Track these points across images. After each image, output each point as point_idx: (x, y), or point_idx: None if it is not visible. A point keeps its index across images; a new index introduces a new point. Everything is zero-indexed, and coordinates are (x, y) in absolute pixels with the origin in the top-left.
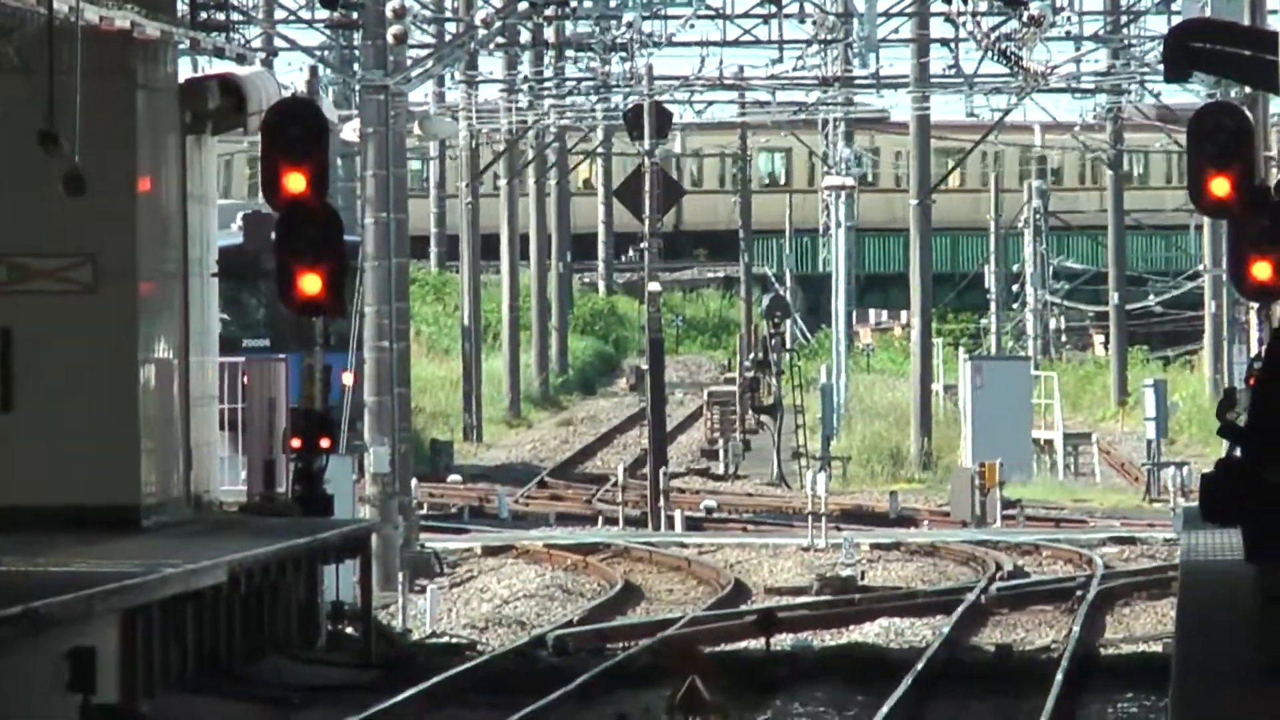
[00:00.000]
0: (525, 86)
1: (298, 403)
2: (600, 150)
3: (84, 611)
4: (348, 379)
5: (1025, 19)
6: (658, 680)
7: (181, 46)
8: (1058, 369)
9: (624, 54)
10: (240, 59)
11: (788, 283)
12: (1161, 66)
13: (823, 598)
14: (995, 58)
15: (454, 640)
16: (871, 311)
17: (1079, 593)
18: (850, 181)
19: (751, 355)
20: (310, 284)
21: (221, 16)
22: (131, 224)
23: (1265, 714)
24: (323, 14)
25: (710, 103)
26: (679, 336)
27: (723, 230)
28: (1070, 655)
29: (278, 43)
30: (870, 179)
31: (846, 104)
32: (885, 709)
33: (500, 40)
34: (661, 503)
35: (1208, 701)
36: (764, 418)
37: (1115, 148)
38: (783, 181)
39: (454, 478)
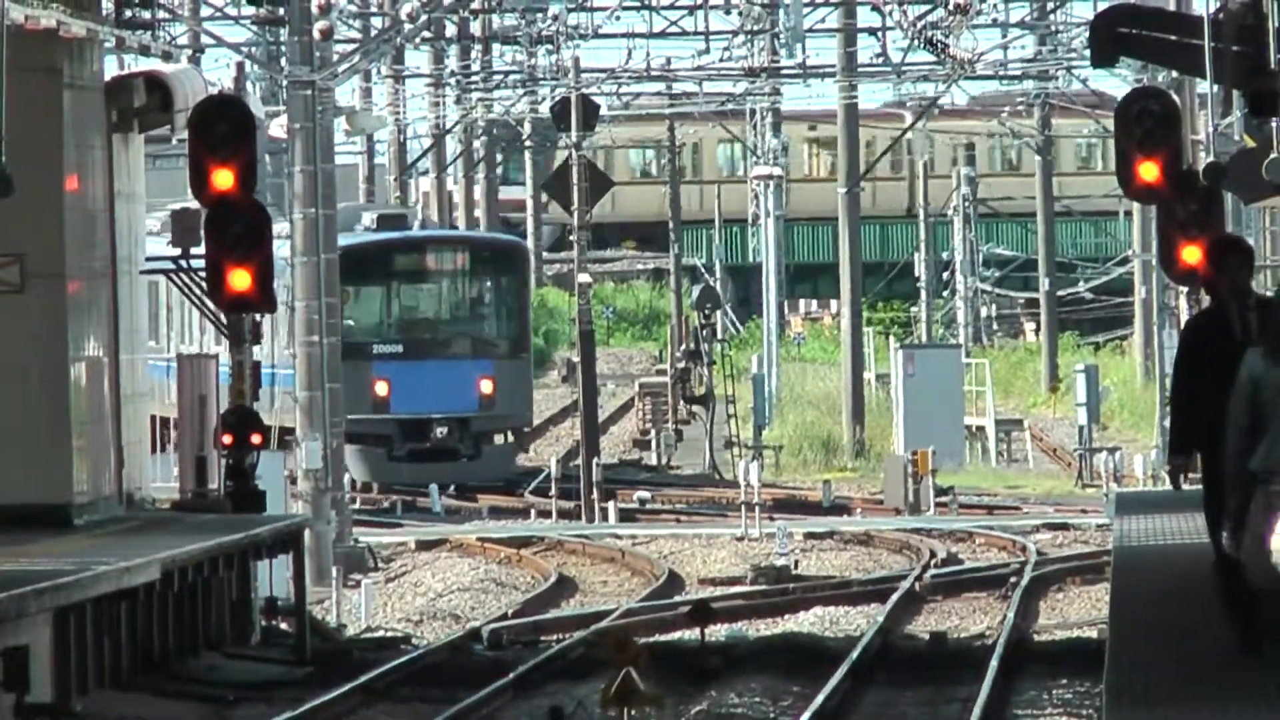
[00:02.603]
0: (452, 81)
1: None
2: (529, 143)
3: (16, 610)
4: (487, 386)
5: (951, 7)
6: (592, 672)
7: (107, 44)
8: (989, 356)
9: (550, 47)
10: (166, 56)
11: (718, 273)
12: (1088, 52)
13: (757, 588)
14: (922, 46)
15: (389, 634)
16: (802, 301)
17: (1012, 579)
18: (778, 171)
19: (683, 346)
20: (239, 280)
21: (147, 14)
22: (59, 223)
23: (1198, 698)
24: (249, 10)
25: (637, 94)
26: (610, 328)
27: (652, 221)
28: (1004, 641)
29: (204, 40)
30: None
31: (774, 94)
32: (821, 698)
33: (426, 35)
34: (594, 494)
35: (1142, 686)
36: (696, 408)
37: (1043, 133)
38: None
39: None
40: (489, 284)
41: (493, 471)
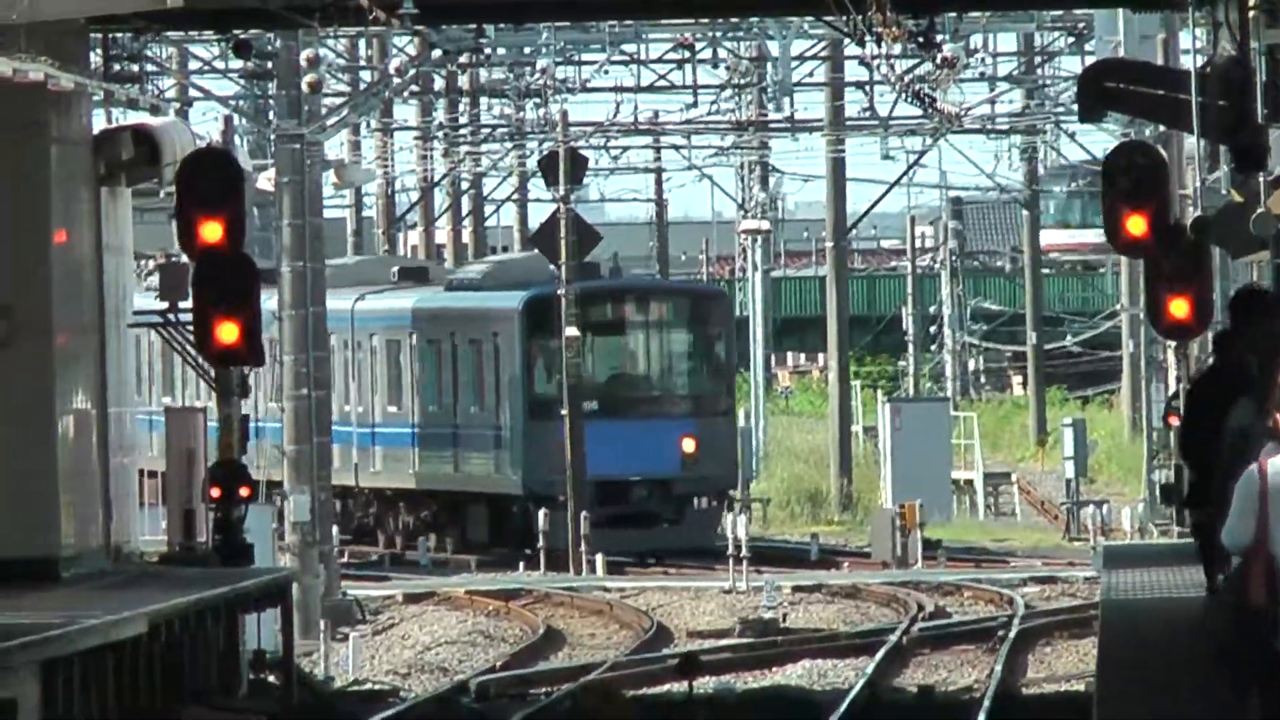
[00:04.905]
0: (440, 134)
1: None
2: (516, 197)
3: (3, 663)
4: (689, 445)
5: (939, 61)
6: None
7: (95, 98)
8: (977, 409)
9: (538, 100)
10: (154, 109)
11: None
12: (1076, 106)
13: (745, 640)
14: (910, 100)
15: (376, 687)
16: (789, 354)
17: (1000, 632)
18: (766, 225)
19: None
20: (227, 333)
21: (135, 68)
22: (46, 277)
23: None
24: (236, 64)
25: (626, 148)
26: None
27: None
28: (992, 695)
29: (192, 93)
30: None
31: (762, 147)
32: None
33: (414, 88)
34: (583, 547)
35: None
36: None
37: (1031, 188)
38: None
39: None
40: (691, 335)
41: (695, 538)
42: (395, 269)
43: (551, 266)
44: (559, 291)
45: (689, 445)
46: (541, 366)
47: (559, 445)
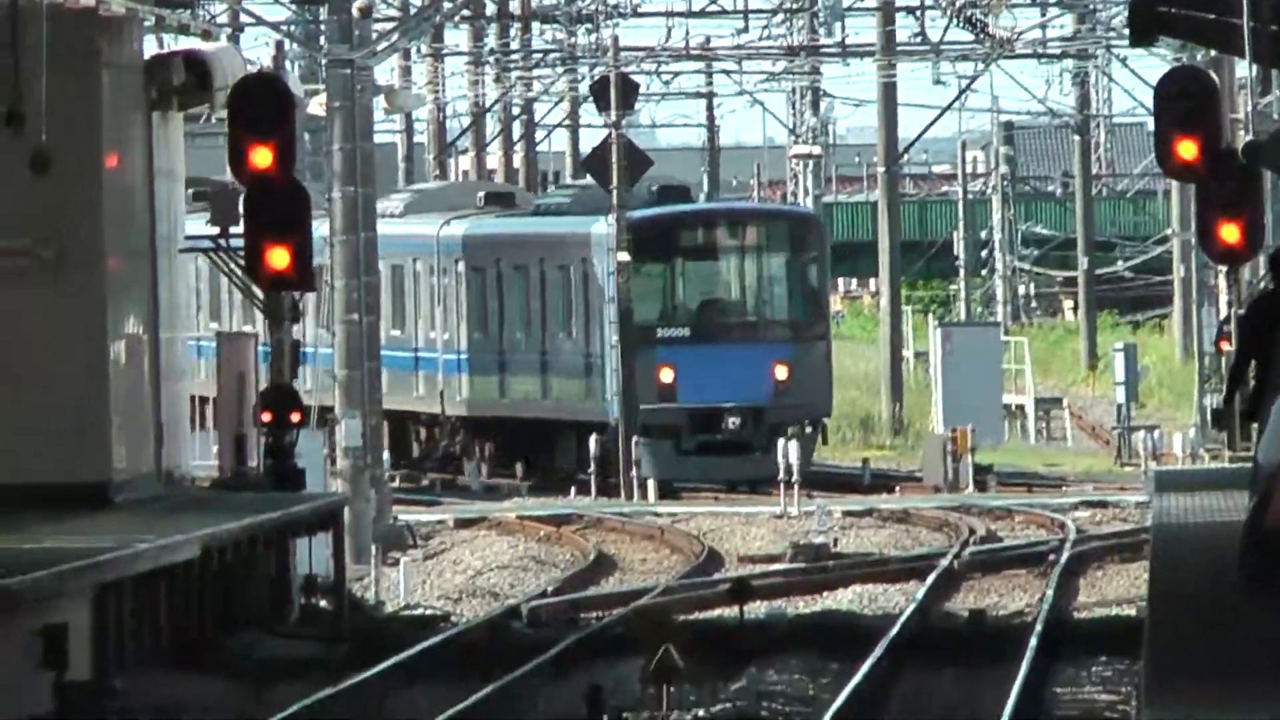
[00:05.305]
0: (491, 59)
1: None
2: (567, 122)
3: (56, 588)
4: (782, 372)
5: None
6: (632, 650)
7: (146, 23)
8: (1027, 334)
9: (590, 25)
10: (205, 35)
11: None
12: (1127, 31)
13: (796, 565)
14: (961, 25)
15: (428, 612)
16: (841, 280)
17: (1051, 557)
18: (817, 151)
19: None
20: (279, 259)
21: None
22: (98, 202)
23: (1238, 676)
24: None
25: (676, 73)
26: None
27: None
28: (1043, 620)
29: (243, 18)
30: None
31: (813, 73)
32: (859, 676)
33: (466, 13)
34: (633, 471)
35: (1180, 664)
36: None
37: (1082, 113)
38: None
39: None
40: (784, 261)
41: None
42: (481, 194)
43: (643, 190)
44: (613, 216)
45: (781, 372)
46: (635, 292)
47: (653, 373)
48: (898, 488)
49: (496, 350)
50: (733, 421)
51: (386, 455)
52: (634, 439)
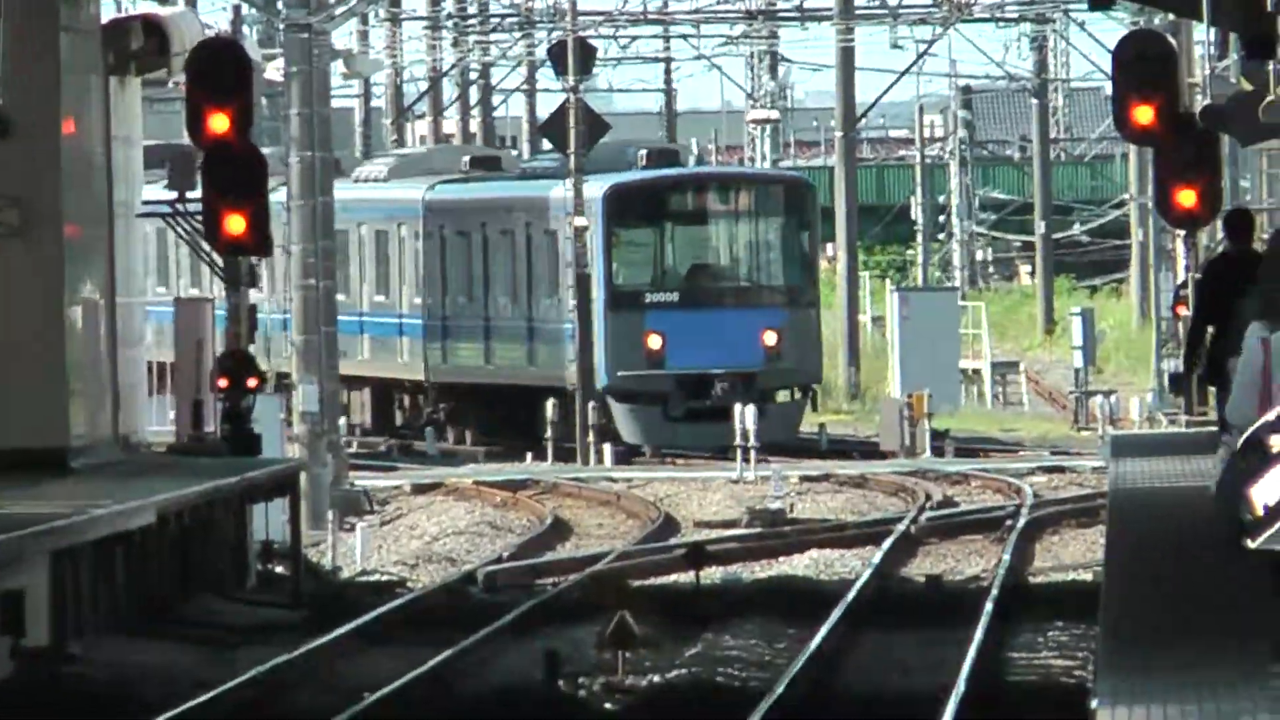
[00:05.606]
0: (449, 23)
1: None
2: (524, 87)
3: (13, 553)
4: (772, 338)
5: None
6: (588, 615)
7: None
8: (985, 299)
9: None
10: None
11: None
12: None
13: (752, 530)
14: None
15: (384, 578)
16: None
17: (1008, 522)
18: (775, 115)
19: None
20: (235, 224)
21: None
22: (56, 167)
23: (1193, 640)
24: None
25: (635, 38)
26: None
27: None
28: (1000, 584)
29: None
30: None
31: (771, 37)
32: (817, 640)
33: None
34: (590, 437)
35: (1136, 628)
36: None
37: (1040, 78)
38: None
39: None
40: (774, 225)
41: (778, 433)
42: (466, 158)
43: (631, 153)
44: (574, 179)
45: (771, 338)
46: (622, 257)
47: (641, 339)
48: (854, 453)
49: (481, 316)
50: (722, 387)
51: (343, 421)
52: (589, 403)
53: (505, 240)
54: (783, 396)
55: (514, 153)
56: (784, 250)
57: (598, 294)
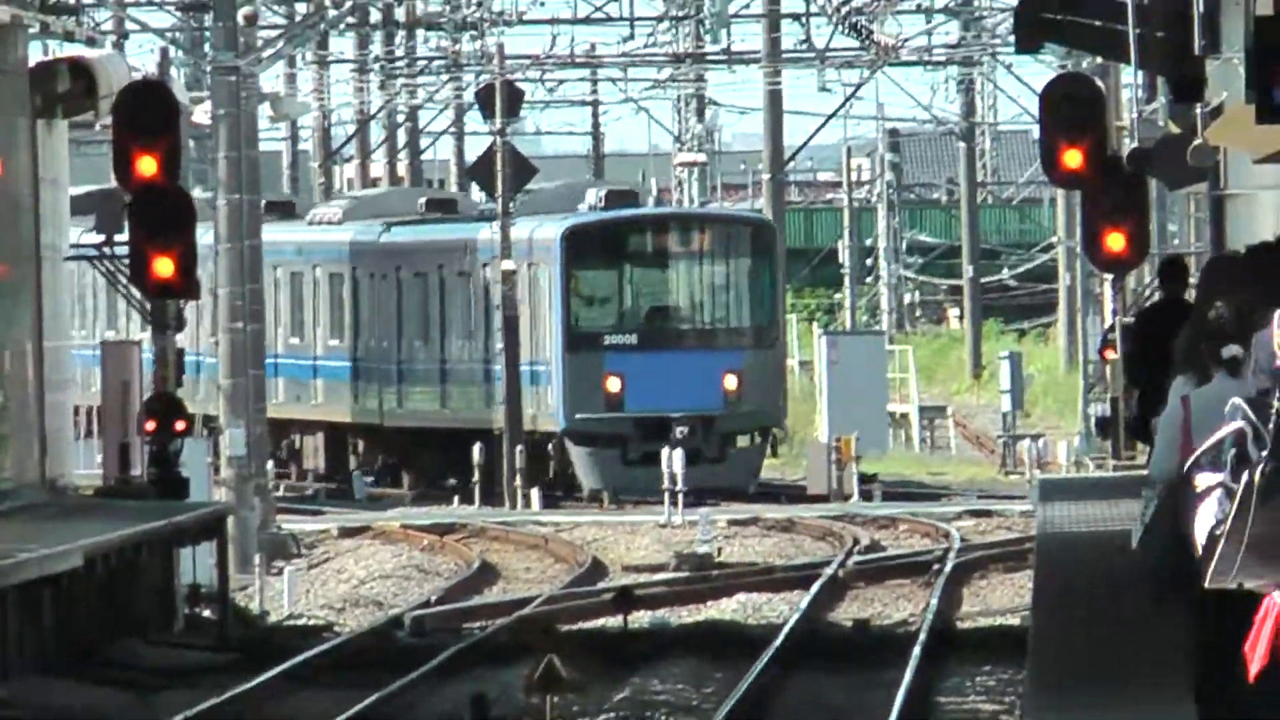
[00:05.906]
0: (376, 66)
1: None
2: (452, 130)
3: None
4: (732, 381)
5: None
6: (516, 659)
7: (31, 30)
8: (913, 343)
9: (475, 32)
10: (91, 42)
11: None
12: (1013, 38)
13: (680, 574)
14: (847, 32)
15: (311, 622)
16: None
17: (936, 566)
18: (702, 158)
19: None
20: (163, 267)
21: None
22: None
23: (1120, 685)
24: None
25: (562, 80)
26: None
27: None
28: (928, 628)
29: (128, 25)
30: None
31: (699, 80)
32: (744, 685)
33: (351, 20)
34: (518, 481)
35: (1064, 672)
36: None
37: (967, 120)
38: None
39: None
40: (735, 266)
41: (738, 478)
42: (422, 200)
43: (588, 196)
44: (501, 224)
45: (732, 381)
46: (581, 299)
47: (601, 380)
48: (782, 497)
49: (438, 359)
50: (681, 430)
51: (271, 465)
52: (516, 448)
53: (461, 282)
54: (743, 441)
55: (476, 197)
56: (746, 292)
57: (554, 336)
